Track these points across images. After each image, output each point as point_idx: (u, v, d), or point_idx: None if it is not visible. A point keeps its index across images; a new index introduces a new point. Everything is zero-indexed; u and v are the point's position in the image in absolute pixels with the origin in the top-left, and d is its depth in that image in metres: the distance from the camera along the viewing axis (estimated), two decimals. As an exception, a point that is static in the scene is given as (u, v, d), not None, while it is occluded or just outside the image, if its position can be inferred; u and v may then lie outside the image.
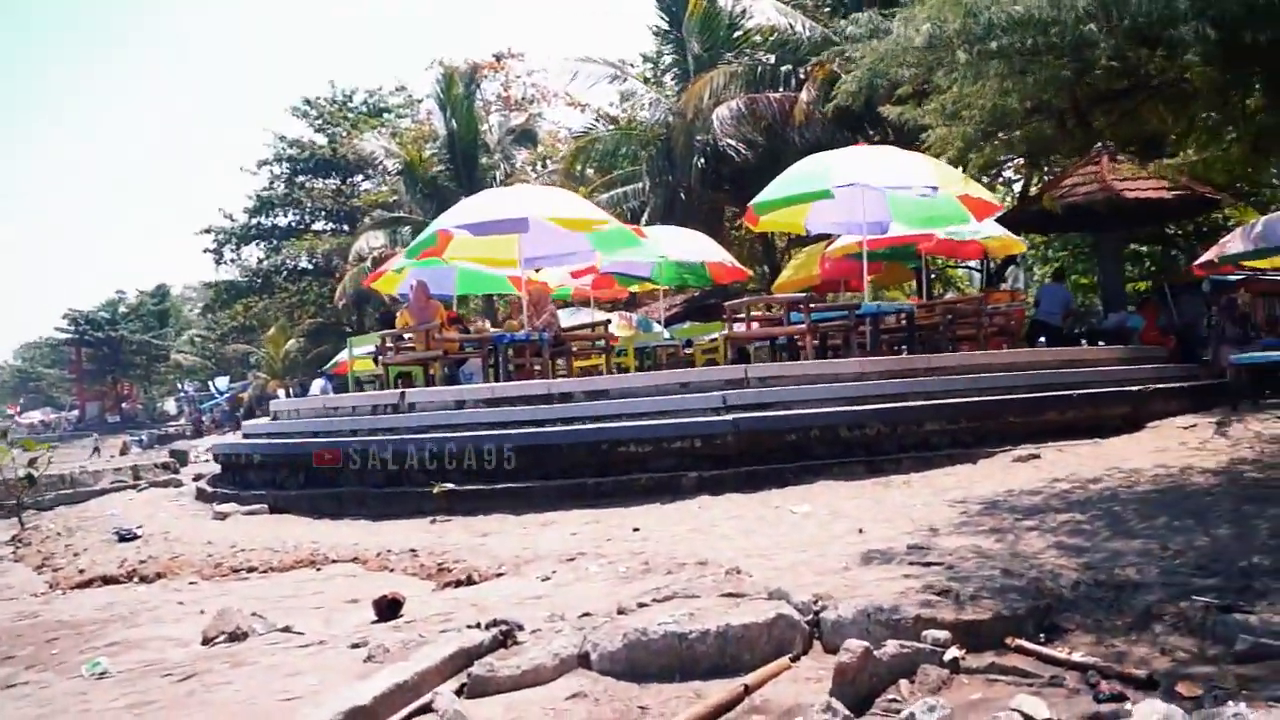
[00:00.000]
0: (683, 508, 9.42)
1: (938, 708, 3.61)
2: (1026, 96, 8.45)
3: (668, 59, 26.91)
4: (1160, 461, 9.43)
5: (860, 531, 7.47)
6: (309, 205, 54.04)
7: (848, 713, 3.71)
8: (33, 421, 77.28)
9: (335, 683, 4.70)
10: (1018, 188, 26.88)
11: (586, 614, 5.39)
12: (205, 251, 55.01)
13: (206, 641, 6.18)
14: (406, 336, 14.01)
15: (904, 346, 13.50)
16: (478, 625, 5.28)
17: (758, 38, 24.34)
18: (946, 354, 12.12)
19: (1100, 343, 17.18)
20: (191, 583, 8.86)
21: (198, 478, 17.04)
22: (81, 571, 9.94)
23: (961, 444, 10.49)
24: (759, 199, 12.53)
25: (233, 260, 55.95)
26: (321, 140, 53.25)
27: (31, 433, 69.71)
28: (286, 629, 6.29)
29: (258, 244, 55.64)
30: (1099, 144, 16.29)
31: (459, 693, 4.42)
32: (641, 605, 5.46)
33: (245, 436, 14.16)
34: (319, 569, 8.89)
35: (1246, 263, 14.47)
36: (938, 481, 9.54)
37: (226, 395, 59.29)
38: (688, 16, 23.88)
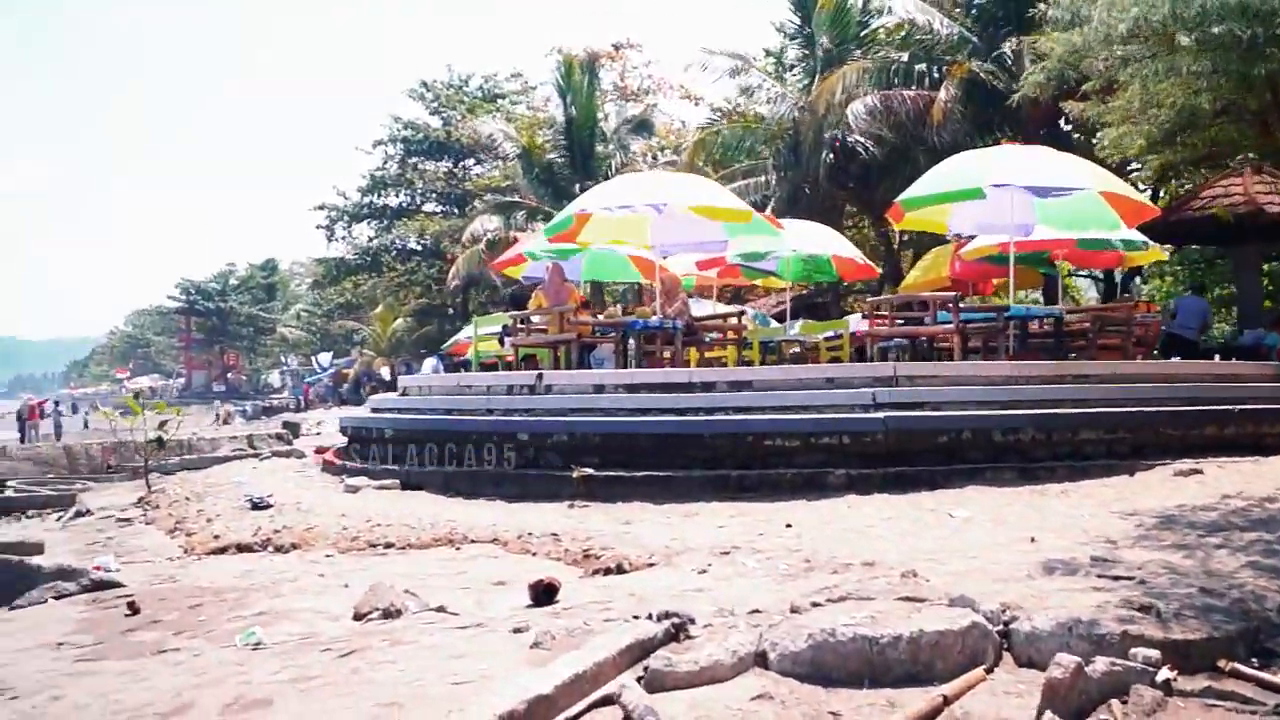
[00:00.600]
0: (832, 506, 9.18)
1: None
2: (1219, 96, 8.06)
3: (793, 54, 26.56)
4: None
5: (1032, 540, 7.17)
6: (420, 186, 54.63)
7: (1064, 732, 3.46)
8: (141, 387, 79.10)
9: (503, 668, 4.54)
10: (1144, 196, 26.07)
11: (756, 611, 5.22)
12: (317, 228, 55.93)
13: (359, 617, 6.09)
14: (536, 319, 13.92)
15: (1044, 353, 13.02)
16: (647, 616, 5.08)
17: (885, 35, 23.95)
18: (1099, 362, 11.69)
19: (1233, 359, 16.51)
20: (328, 555, 8.83)
21: (319, 450, 17.18)
22: (216, 537, 10.02)
23: (1117, 455, 10.10)
24: (908, 195, 12.17)
25: (343, 238, 56.81)
26: (436, 123, 53.72)
27: (140, 399, 71.42)
28: (441, 609, 6.17)
29: (369, 223, 56.39)
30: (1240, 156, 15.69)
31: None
32: (815, 605, 5.21)
33: (374, 411, 14.17)
34: (458, 548, 8.80)
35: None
36: (1097, 493, 9.17)
37: (330, 371, 60.20)
38: (817, 11, 23.50)
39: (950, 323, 11.32)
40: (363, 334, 54.13)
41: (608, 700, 4.06)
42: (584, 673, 4.16)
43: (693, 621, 5.00)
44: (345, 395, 51.56)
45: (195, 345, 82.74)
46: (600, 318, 14.14)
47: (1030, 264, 17.78)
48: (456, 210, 54.05)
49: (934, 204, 12.24)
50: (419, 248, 53.56)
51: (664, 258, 16.04)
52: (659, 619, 4.97)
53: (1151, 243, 15.83)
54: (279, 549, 9.43)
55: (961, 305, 12.05)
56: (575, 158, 36.25)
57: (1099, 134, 10.25)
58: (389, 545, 9.16)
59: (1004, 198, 12.31)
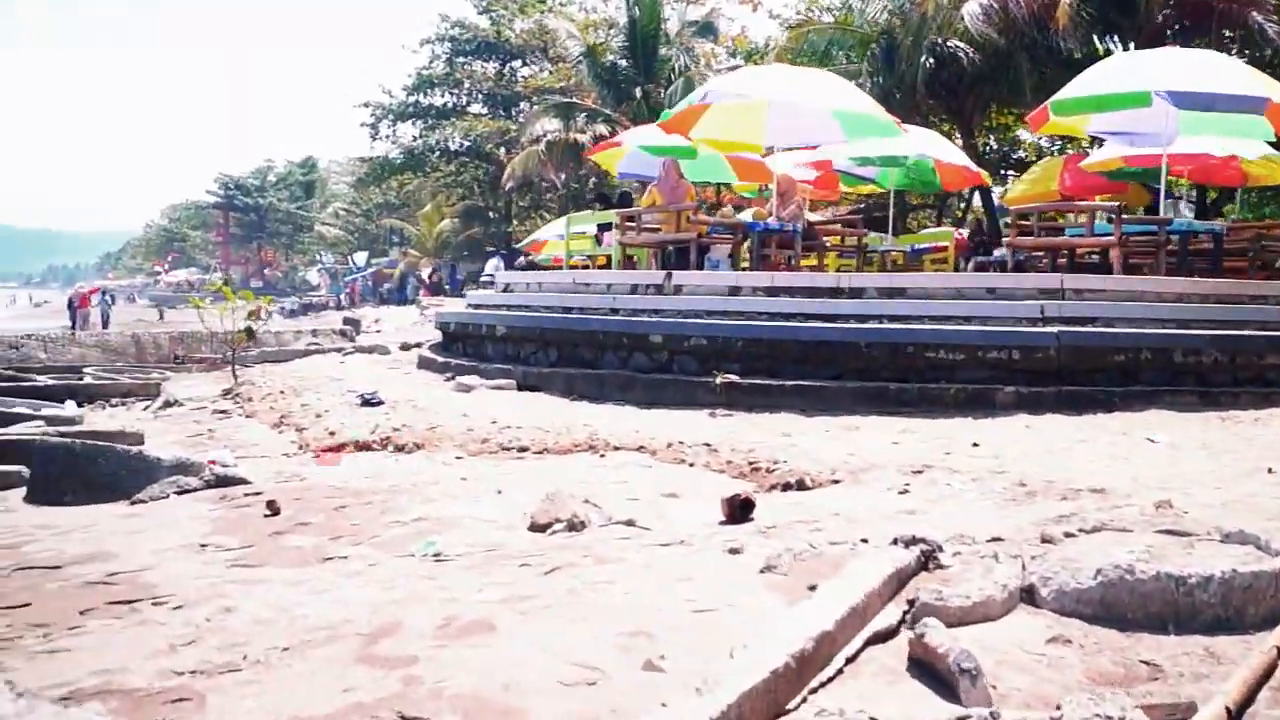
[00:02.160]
0: (1008, 424, 8.51)
1: None
2: None
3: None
4: None
5: (1270, 471, 6.51)
6: (467, 86, 53.58)
7: None
8: (178, 280, 78.95)
9: (745, 596, 3.92)
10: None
11: (996, 539, 4.67)
12: (362, 125, 54.89)
13: (538, 528, 5.51)
14: (649, 217, 13.17)
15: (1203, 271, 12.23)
16: (892, 542, 4.47)
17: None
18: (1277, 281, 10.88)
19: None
20: (458, 457, 8.23)
21: (405, 346, 16.60)
22: (331, 433, 9.41)
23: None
24: (1061, 97, 11.27)
25: (388, 136, 55.85)
26: (485, 23, 52.55)
27: (177, 291, 71.25)
28: (630, 522, 5.57)
29: (414, 122, 55.40)
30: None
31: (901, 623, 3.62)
32: (1069, 535, 4.67)
33: (476, 308, 13.49)
34: (602, 455, 8.16)
35: None
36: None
37: (370, 270, 59.70)
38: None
39: (1110, 234, 10.51)
40: (408, 233, 53.37)
41: (883, 636, 3.48)
42: (857, 606, 3.57)
43: (940, 549, 4.41)
44: (385, 294, 51.13)
45: (233, 241, 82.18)
46: (716, 217, 13.35)
47: (1144, 179, 16.93)
48: (504, 112, 53.19)
49: (1090, 109, 11.34)
50: (462, 149, 52.61)
51: (767, 154, 15.34)
52: (906, 545, 4.37)
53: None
54: (400, 448, 8.83)
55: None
56: (638, 59, 35.26)
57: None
58: (524, 449, 8.54)
59: (1160, 106, 11.50)
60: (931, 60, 20.61)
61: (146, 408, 12.43)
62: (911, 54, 20.41)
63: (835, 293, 10.09)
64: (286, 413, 10.79)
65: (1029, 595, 3.93)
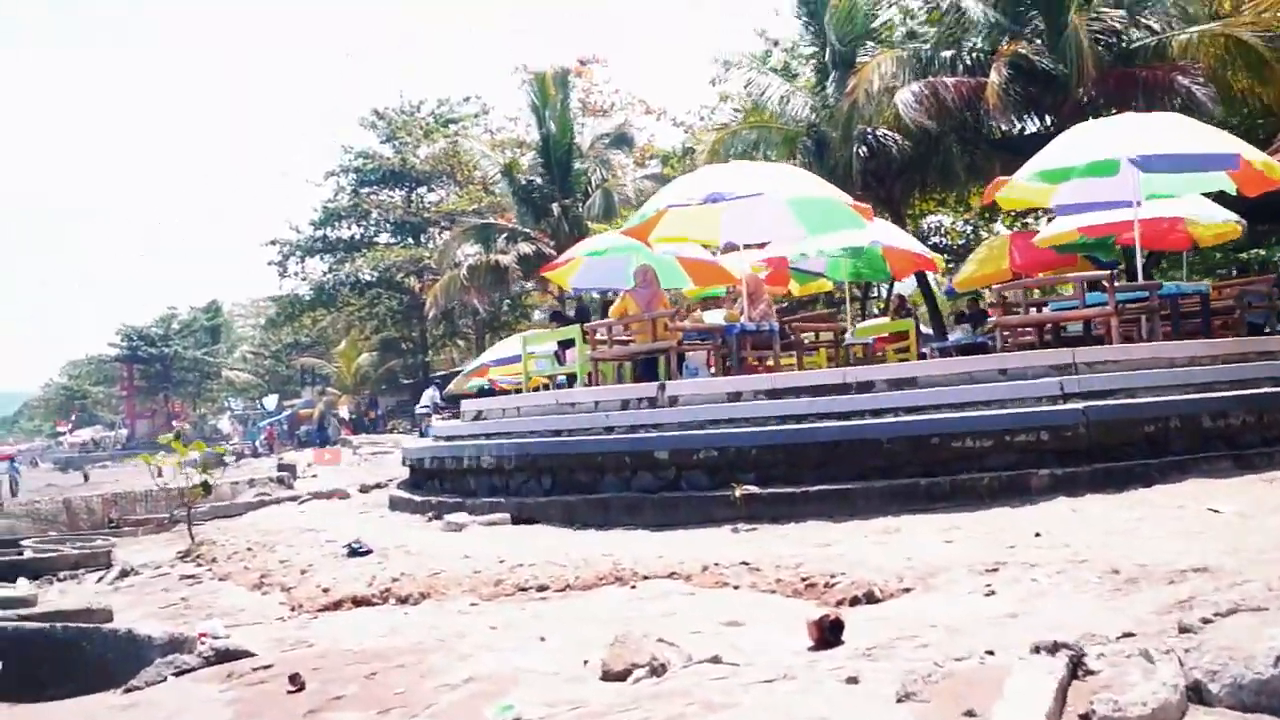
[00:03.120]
0: (1051, 509, 8.08)
1: None
2: None
3: (806, 50, 25.69)
4: None
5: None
6: (375, 217, 53.43)
7: None
8: (83, 440, 76.41)
9: None
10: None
11: (1127, 635, 4.31)
12: (269, 264, 54.34)
13: (613, 676, 4.94)
14: (618, 328, 12.74)
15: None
16: (1034, 650, 4.03)
17: (902, 22, 23.24)
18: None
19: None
20: (473, 604, 7.58)
21: (365, 488, 15.82)
22: (325, 591, 8.58)
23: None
24: (1042, 167, 11.07)
25: (296, 273, 55.27)
26: (388, 151, 52.63)
27: (82, 451, 68.87)
28: (716, 659, 5.00)
29: (322, 256, 54.95)
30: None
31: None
32: (1206, 621, 4.31)
33: (449, 439, 12.79)
34: (633, 586, 7.56)
35: None
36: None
37: (286, 414, 58.37)
38: (830, 8, 22.68)
39: (1105, 304, 10.29)
40: (325, 371, 52.37)
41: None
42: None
43: (1084, 653, 3.98)
44: (304, 437, 49.79)
45: (137, 394, 79.83)
46: (688, 323, 12.93)
47: (1095, 251, 16.98)
48: (413, 239, 53.03)
49: (1057, 180, 11.20)
50: (375, 279, 52.16)
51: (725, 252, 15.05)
52: (1050, 652, 3.96)
53: (1235, 218, 14.93)
54: (403, 600, 8.12)
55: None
56: (554, 174, 35.26)
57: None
58: (543, 587, 7.89)
59: (1126, 172, 11.46)
60: (864, 149, 20.73)
61: (101, 579, 11.50)
62: (841, 146, 20.47)
63: (842, 389, 9.68)
64: (265, 571, 9.98)
65: (1195, 694, 3.61)
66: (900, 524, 8.24)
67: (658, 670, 4.93)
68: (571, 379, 14.60)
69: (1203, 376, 9.29)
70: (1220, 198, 13.41)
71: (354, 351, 48.67)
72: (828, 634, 5.06)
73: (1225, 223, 14.70)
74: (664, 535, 9.04)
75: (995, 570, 6.35)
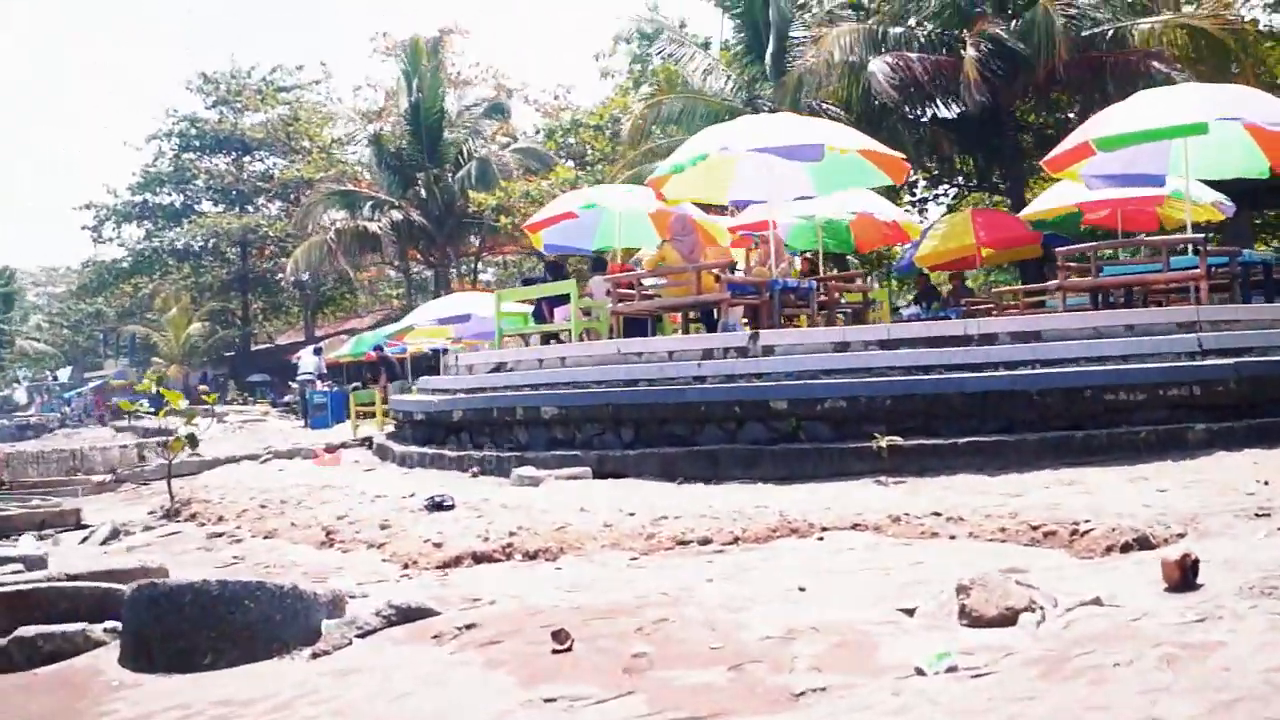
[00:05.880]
0: (1237, 462, 7.79)
1: None
2: None
3: (730, 25, 25.28)
4: None
5: None
6: (200, 183, 50.62)
7: None
8: None
9: None
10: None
11: None
12: (84, 228, 50.89)
13: (985, 622, 4.42)
14: (651, 281, 11.98)
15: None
16: None
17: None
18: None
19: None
20: (633, 559, 6.76)
21: (330, 447, 14.52)
22: (438, 547, 7.51)
23: None
24: (1108, 133, 10.82)
25: (113, 239, 51.86)
26: (215, 116, 49.98)
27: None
28: (1097, 600, 4.48)
29: (139, 223, 51.74)
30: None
31: None
32: None
33: (471, 392, 11.62)
34: (819, 538, 6.88)
35: None
36: None
37: (94, 385, 54.75)
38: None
39: (1195, 267, 10.14)
40: (154, 341, 49.13)
41: None
42: None
43: None
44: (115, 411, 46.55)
45: (-74, 365, 73.72)
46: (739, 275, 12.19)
47: (1064, 228, 17.06)
48: (239, 208, 50.50)
49: (1140, 141, 10.97)
50: (201, 248, 49.43)
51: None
52: None
53: (1222, 199, 15.10)
54: (530, 556, 7.16)
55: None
56: (423, 143, 33.95)
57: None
58: (706, 541, 7.09)
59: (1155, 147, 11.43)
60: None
61: (86, 539, 9.98)
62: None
63: (964, 340, 9.18)
64: (329, 528, 8.77)
65: None
66: (1075, 475, 7.79)
67: (1039, 615, 4.36)
68: (549, 338, 13.78)
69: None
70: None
71: (184, 320, 45.80)
72: (1189, 574, 4.56)
73: (1209, 205, 14.85)
74: (792, 489, 8.31)
75: (1267, 515, 5.95)
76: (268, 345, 55.07)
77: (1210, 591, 4.31)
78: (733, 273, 12.28)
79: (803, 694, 3.74)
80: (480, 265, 41.62)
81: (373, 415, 19.97)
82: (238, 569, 7.96)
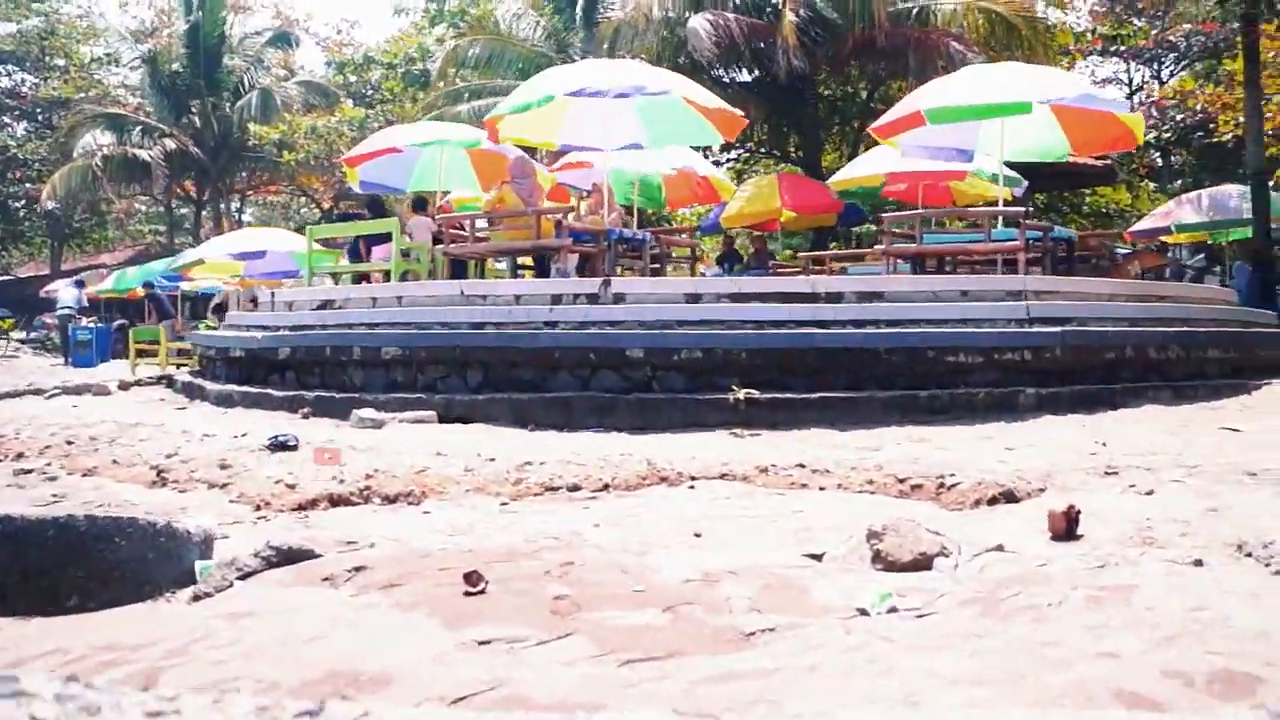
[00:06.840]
0: (1058, 424, 8.29)
1: None
2: None
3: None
4: None
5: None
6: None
7: None
8: None
9: None
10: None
11: None
12: None
13: (899, 567, 4.55)
14: (483, 224, 11.76)
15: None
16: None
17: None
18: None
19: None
20: (504, 504, 6.66)
21: (125, 385, 13.66)
22: (291, 488, 7.19)
23: (1224, 375, 10.09)
24: (938, 105, 11.26)
25: None
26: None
27: None
28: (1000, 547, 4.72)
29: None
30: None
31: None
32: None
33: (298, 329, 11.10)
34: (690, 487, 6.88)
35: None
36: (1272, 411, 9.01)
37: None
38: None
39: (1015, 240, 10.72)
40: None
41: None
42: None
43: None
44: None
45: None
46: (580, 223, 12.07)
47: (865, 198, 17.71)
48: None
49: (970, 117, 11.46)
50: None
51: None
52: None
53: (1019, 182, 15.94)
54: (390, 499, 6.90)
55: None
56: (200, 68, 32.17)
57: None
58: (575, 488, 7.00)
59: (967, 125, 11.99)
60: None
61: None
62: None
63: (811, 298, 9.41)
64: (160, 466, 8.20)
65: None
66: (924, 433, 8.12)
67: (954, 560, 4.54)
68: (360, 278, 13.39)
69: (1138, 312, 9.89)
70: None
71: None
72: (1073, 525, 4.84)
73: (1004, 186, 15.67)
74: (650, 438, 8.32)
75: (1116, 473, 6.33)
76: (7, 277, 51.15)
77: (1093, 541, 4.48)
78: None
79: (753, 634, 3.68)
80: (242, 204, 39.75)
81: (153, 354, 18.85)
82: (66, 508, 7.40)
